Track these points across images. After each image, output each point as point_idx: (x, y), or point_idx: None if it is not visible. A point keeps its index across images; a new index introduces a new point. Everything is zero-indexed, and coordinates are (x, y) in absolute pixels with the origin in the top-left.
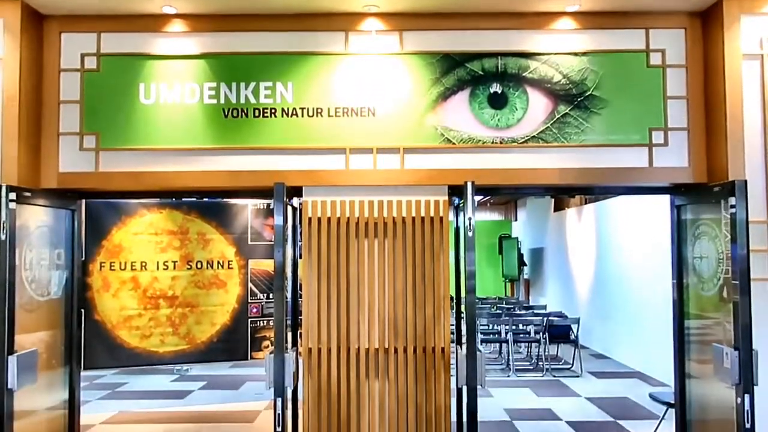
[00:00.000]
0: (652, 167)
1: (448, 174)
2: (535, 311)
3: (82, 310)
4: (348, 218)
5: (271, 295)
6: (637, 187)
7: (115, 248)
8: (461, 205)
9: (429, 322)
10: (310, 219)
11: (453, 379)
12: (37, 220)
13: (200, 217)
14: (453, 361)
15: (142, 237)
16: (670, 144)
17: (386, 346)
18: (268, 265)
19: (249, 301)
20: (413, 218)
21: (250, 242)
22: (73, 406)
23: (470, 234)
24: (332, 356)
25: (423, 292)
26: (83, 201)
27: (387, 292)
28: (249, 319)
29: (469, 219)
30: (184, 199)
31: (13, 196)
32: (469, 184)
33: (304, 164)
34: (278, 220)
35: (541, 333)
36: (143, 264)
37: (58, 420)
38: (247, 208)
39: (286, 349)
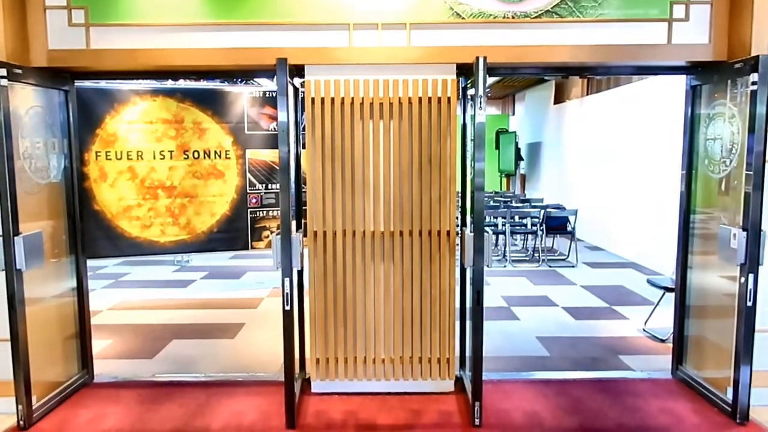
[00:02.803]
0: (670, 44)
1: (457, 51)
2: (533, 204)
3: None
4: (352, 98)
5: (269, 186)
6: (652, 66)
7: (110, 137)
8: (470, 85)
9: (434, 205)
10: (313, 99)
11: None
12: (30, 100)
13: (195, 105)
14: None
15: (137, 126)
16: (691, 19)
17: (392, 229)
18: (266, 156)
19: (248, 191)
20: (420, 98)
21: (246, 131)
22: (81, 293)
23: (481, 118)
24: (337, 239)
25: (429, 175)
26: (75, 84)
27: (392, 174)
28: (248, 210)
29: (480, 97)
30: (178, 87)
31: (3, 72)
32: (481, 60)
33: (305, 41)
34: (281, 98)
35: (538, 225)
36: (139, 153)
37: (68, 306)
38: (243, 96)
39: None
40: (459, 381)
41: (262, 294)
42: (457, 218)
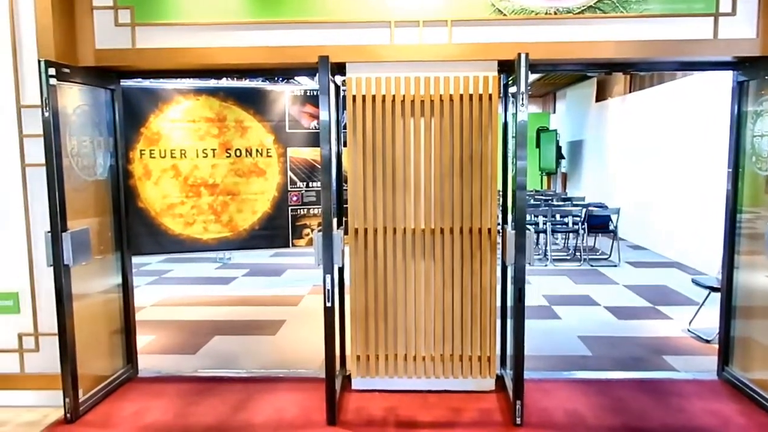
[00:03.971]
0: (716, 39)
1: (499, 48)
2: (574, 202)
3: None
4: (393, 96)
5: (310, 184)
6: (698, 62)
7: (154, 136)
8: (511, 82)
9: (476, 202)
10: (354, 97)
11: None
12: (78, 99)
13: (237, 104)
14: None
15: (180, 124)
16: (738, 13)
17: (432, 227)
18: (307, 154)
19: (289, 189)
20: (461, 95)
21: (288, 130)
22: (126, 289)
23: (523, 115)
24: (378, 236)
25: (470, 172)
26: (121, 83)
27: (434, 171)
28: (289, 207)
29: (522, 94)
30: (220, 86)
31: (52, 71)
32: (523, 56)
33: (346, 39)
34: (323, 96)
35: (580, 223)
36: (182, 152)
37: (113, 302)
38: (284, 95)
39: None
40: (500, 379)
41: (303, 291)
42: (498, 216)
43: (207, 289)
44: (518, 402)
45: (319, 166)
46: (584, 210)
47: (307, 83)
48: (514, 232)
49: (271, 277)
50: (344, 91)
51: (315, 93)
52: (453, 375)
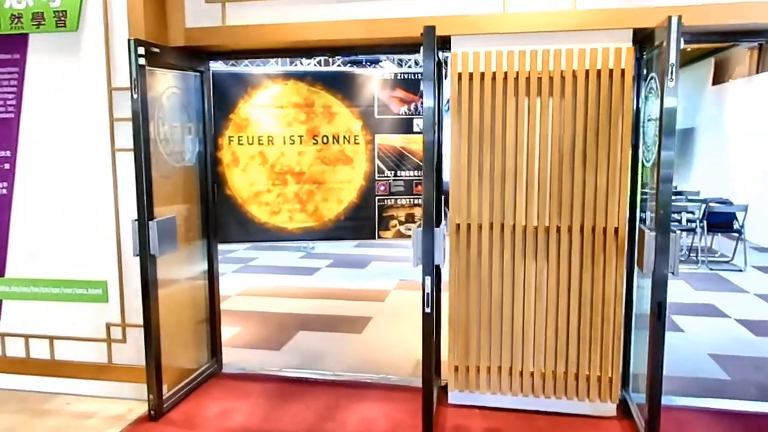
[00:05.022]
0: None
1: (634, 14)
2: (689, 197)
3: (215, 185)
4: (505, 73)
5: (398, 173)
6: None
7: (243, 122)
8: (647, 53)
9: (601, 196)
10: (459, 75)
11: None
12: (167, 81)
13: (325, 88)
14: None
15: (268, 110)
16: None
17: (547, 224)
18: (395, 141)
19: (376, 178)
20: (586, 71)
21: (376, 116)
22: (212, 276)
23: (671, 95)
24: (483, 233)
25: (595, 161)
26: (210, 65)
27: (551, 160)
28: (376, 197)
29: (672, 66)
30: (309, 70)
31: (141, 51)
32: (674, 20)
33: (452, 8)
34: (427, 72)
35: (697, 221)
36: (270, 138)
37: (199, 289)
38: (373, 79)
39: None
40: (621, 403)
41: (389, 286)
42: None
43: (291, 279)
44: None
45: (408, 154)
46: (703, 206)
47: (390, 67)
48: (654, 233)
49: (356, 269)
50: (448, 68)
51: (405, 76)
52: (566, 396)
